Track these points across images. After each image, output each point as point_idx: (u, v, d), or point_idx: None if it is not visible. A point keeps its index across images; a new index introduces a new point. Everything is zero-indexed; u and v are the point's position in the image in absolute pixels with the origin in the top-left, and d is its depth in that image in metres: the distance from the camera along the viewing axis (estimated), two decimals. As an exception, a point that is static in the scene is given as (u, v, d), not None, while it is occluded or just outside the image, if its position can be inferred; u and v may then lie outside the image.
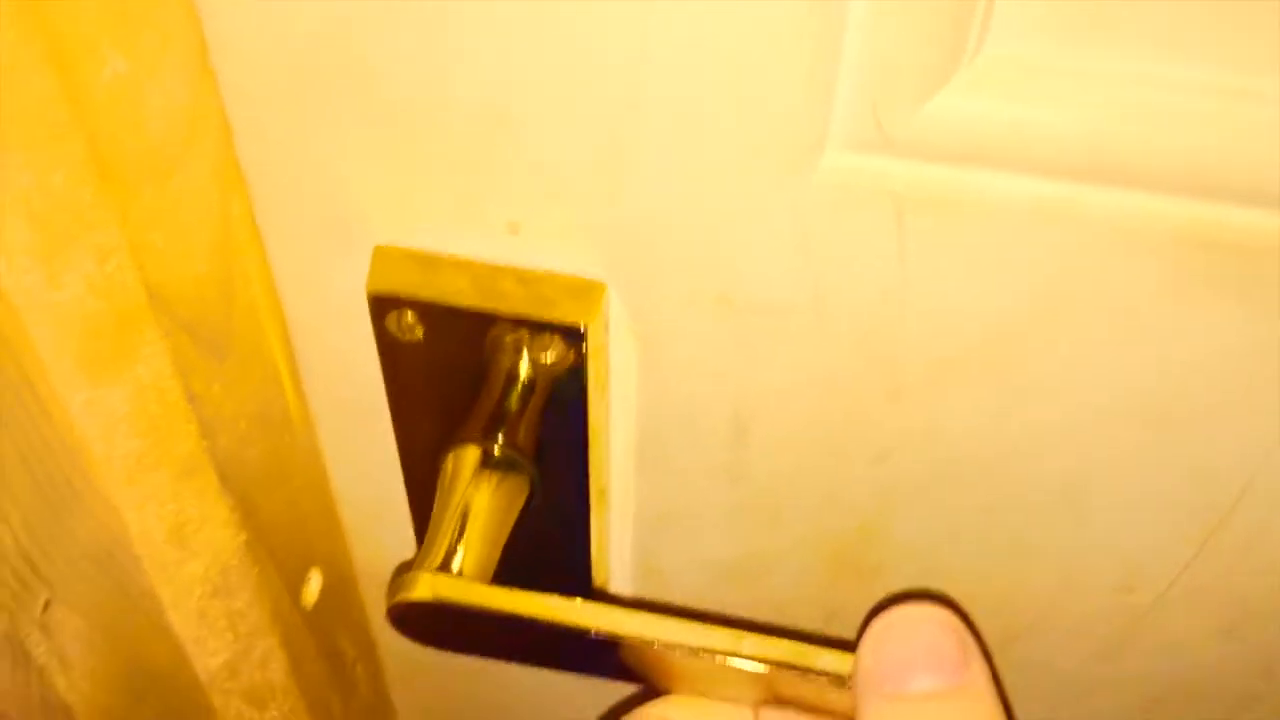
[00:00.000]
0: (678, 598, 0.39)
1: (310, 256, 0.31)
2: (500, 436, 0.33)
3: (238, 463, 0.32)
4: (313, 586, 0.38)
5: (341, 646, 0.41)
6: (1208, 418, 0.29)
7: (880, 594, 0.37)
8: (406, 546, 0.40)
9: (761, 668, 0.26)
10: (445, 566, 0.30)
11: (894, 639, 0.24)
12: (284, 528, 0.35)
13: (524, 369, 0.31)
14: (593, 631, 0.28)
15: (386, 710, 0.48)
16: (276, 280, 0.31)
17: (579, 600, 0.29)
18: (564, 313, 0.30)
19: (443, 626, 0.30)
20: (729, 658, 0.26)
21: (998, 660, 0.38)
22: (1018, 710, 0.40)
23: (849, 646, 0.26)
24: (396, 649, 0.46)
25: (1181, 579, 0.33)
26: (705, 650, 0.27)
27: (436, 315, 0.30)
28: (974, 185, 0.26)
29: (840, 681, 0.25)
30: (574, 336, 0.30)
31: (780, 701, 0.27)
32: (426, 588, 0.30)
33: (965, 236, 0.27)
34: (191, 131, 0.26)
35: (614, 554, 0.38)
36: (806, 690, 0.26)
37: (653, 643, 0.28)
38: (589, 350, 0.30)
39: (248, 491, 0.33)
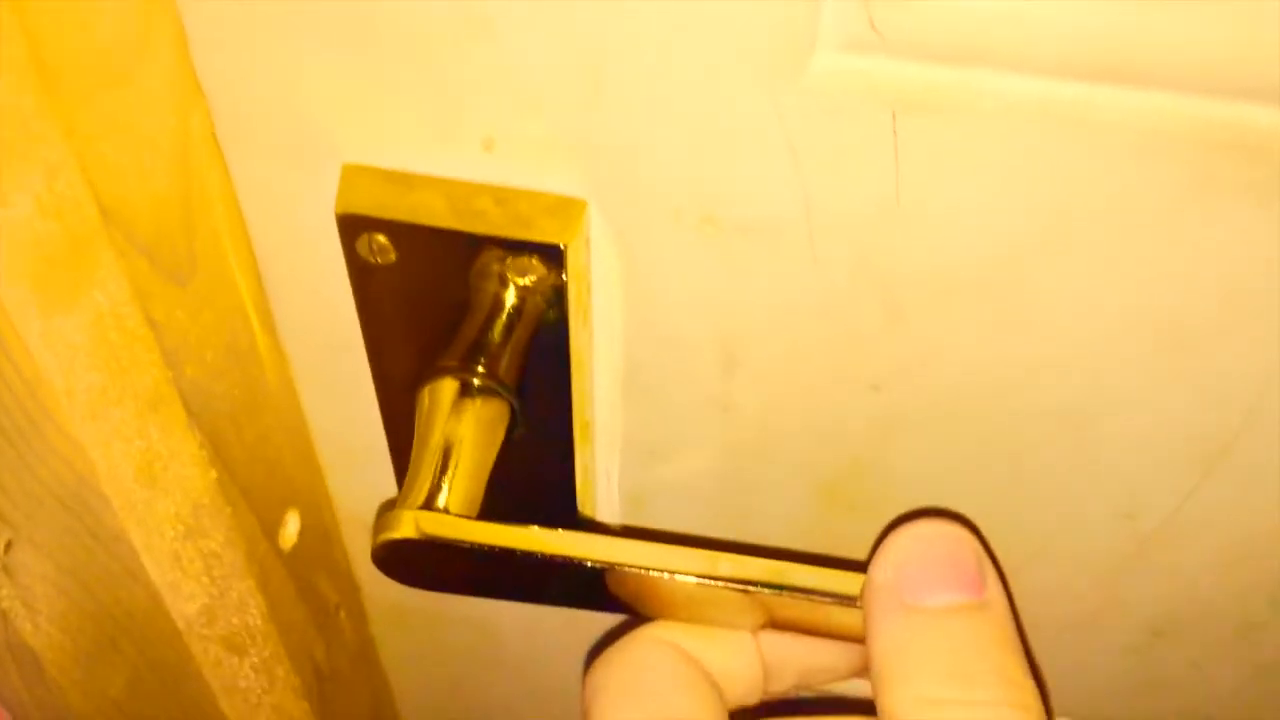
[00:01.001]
0: (666, 534, 0.38)
1: (275, 176, 0.29)
2: (479, 365, 0.31)
3: (206, 395, 0.30)
4: (290, 528, 0.37)
5: (323, 591, 0.40)
6: (1220, 337, 0.28)
7: (874, 528, 0.35)
8: (389, 487, 0.38)
9: (764, 591, 0.25)
10: (429, 503, 0.29)
11: (913, 552, 0.23)
12: (257, 466, 0.34)
13: (502, 293, 0.30)
14: (587, 562, 0.27)
15: (371, 657, 0.47)
16: (241, 202, 0.30)
17: (569, 532, 0.28)
18: (543, 232, 0.28)
19: (429, 566, 0.29)
20: (727, 582, 0.26)
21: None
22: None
23: (843, 566, 0.25)
24: (381, 594, 0.45)
25: (1185, 506, 0.32)
26: (702, 576, 0.26)
27: (409, 237, 0.29)
28: (975, 87, 0.24)
29: (842, 600, 0.25)
30: (554, 257, 0.28)
31: (779, 625, 0.26)
32: (410, 526, 0.28)
33: (966, 143, 0.25)
34: (144, 36, 0.25)
35: (600, 487, 0.37)
36: (806, 611, 0.25)
37: (647, 570, 0.27)
38: (570, 271, 0.29)
39: (217, 426, 0.31)
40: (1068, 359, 0.29)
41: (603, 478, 0.37)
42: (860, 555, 0.37)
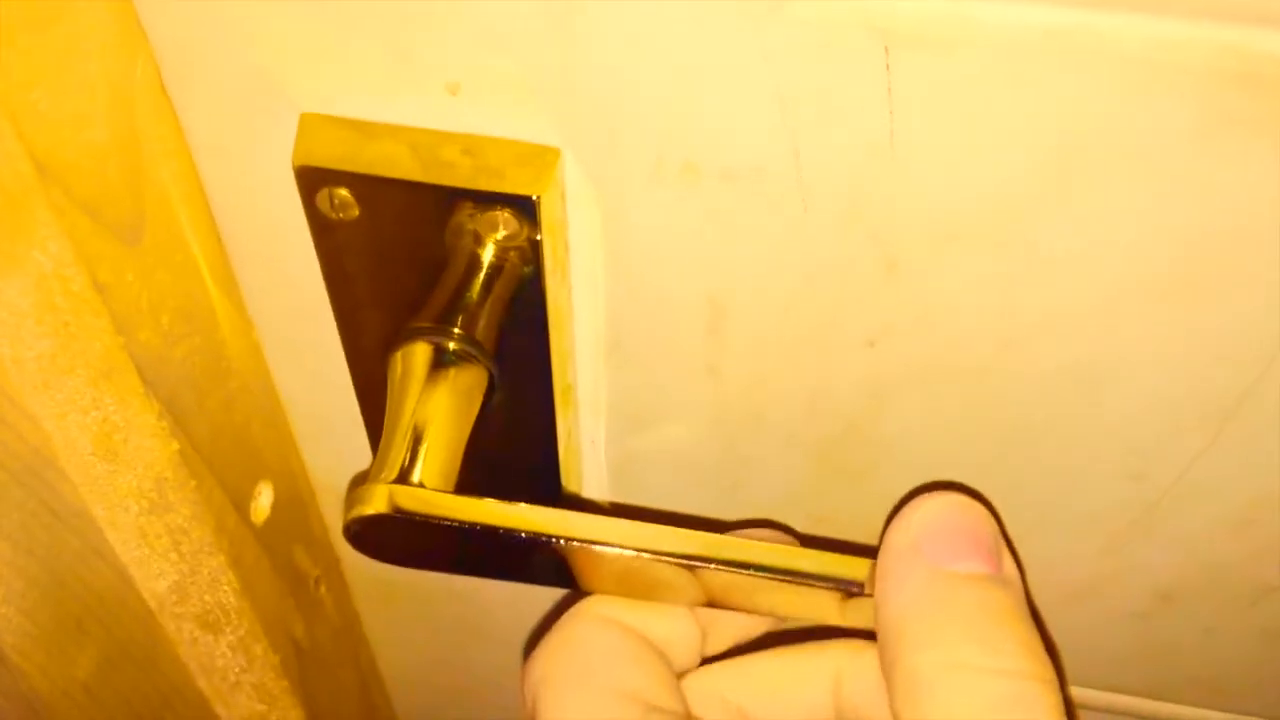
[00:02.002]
0: (654, 502, 0.37)
1: (228, 127, 0.27)
2: (454, 328, 0.30)
3: (162, 362, 0.29)
4: (262, 501, 0.35)
5: (301, 565, 0.39)
6: (1234, 288, 0.26)
7: (872, 496, 0.34)
8: (365, 455, 0.37)
9: (761, 575, 0.25)
10: (403, 478, 0.28)
11: (937, 519, 0.23)
12: (223, 436, 0.32)
13: (475, 249, 0.28)
14: (562, 540, 0.26)
15: (355, 633, 0.46)
16: (194, 155, 0.28)
17: (547, 509, 0.27)
18: (514, 183, 0.27)
19: (403, 542, 0.28)
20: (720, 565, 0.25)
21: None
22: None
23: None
24: (363, 567, 0.43)
25: (1196, 467, 0.31)
26: (695, 559, 0.25)
27: (372, 190, 0.27)
28: (973, 16, 0.23)
29: (841, 585, 0.25)
30: (526, 209, 0.27)
31: (723, 605, 0.26)
32: (383, 501, 0.27)
33: (963, 80, 0.24)
34: (75, -26, 0.23)
35: (587, 456, 0.36)
36: (756, 592, 0.25)
37: (629, 550, 0.26)
38: (544, 225, 0.27)
39: (177, 395, 0.30)
40: (1072, 312, 0.27)
41: (588, 445, 0.35)
42: (858, 523, 0.36)
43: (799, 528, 0.36)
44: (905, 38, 0.23)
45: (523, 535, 0.26)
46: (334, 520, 0.40)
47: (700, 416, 0.33)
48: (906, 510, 0.24)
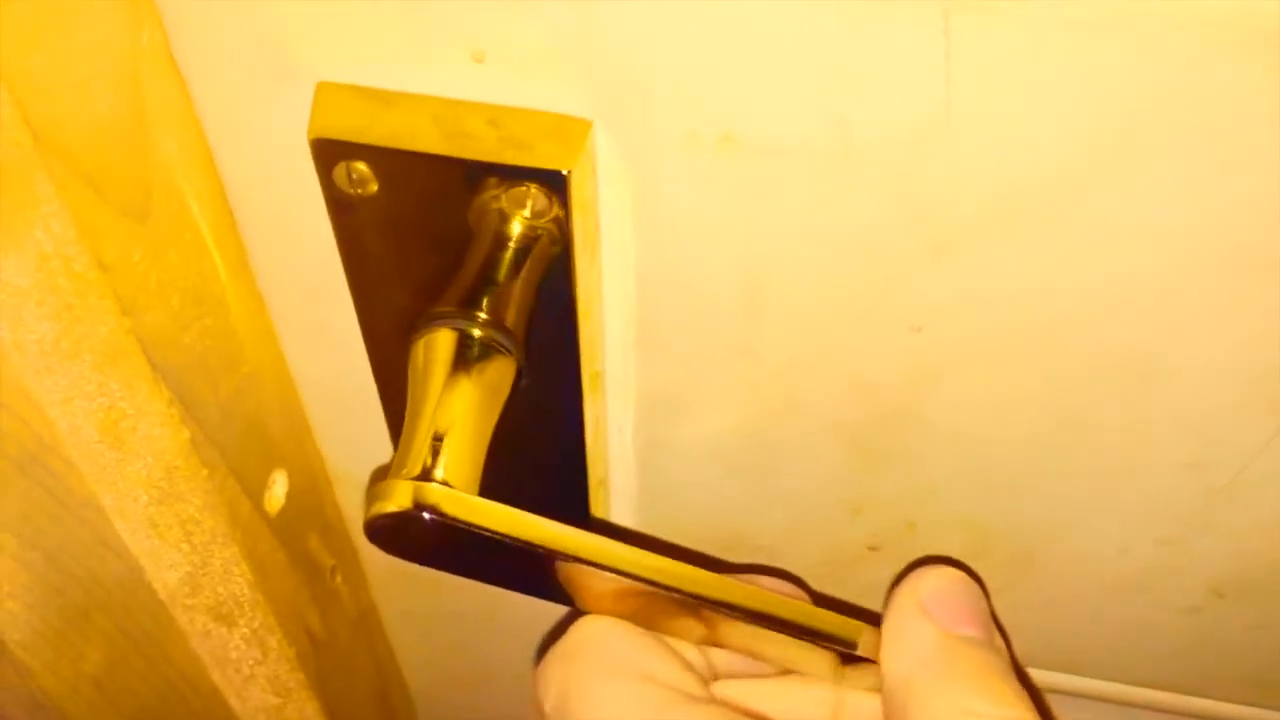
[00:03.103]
0: (684, 491, 0.35)
1: (240, 97, 0.26)
2: (477, 314, 0.28)
3: (172, 346, 0.27)
4: (277, 490, 0.34)
5: (316, 555, 0.38)
6: (1305, 265, 0.25)
7: (913, 484, 0.33)
8: (383, 441, 0.35)
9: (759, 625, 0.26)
10: (427, 474, 0.26)
11: (946, 589, 0.26)
12: (235, 423, 0.31)
13: (500, 227, 0.27)
14: (580, 560, 0.25)
15: (371, 623, 0.44)
16: (203, 127, 0.26)
17: (581, 531, 0.26)
18: (542, 156, 0.25)
19: (425, 541, 0.27)
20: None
21: (1041, 553, 0.34)
22: (1068, 605, 0.36)
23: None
24: (380, 557, 0.42)
25: (1261, 457, 0.29)
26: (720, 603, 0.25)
27: (392, 164, 0.26)
28: (1038, -23, 0.21)
29: (843, 646, 0.26)
30: (555, 184, 0.25)
31: (719, 644, 0.27)
32: (406, 497, 0.26)
33: (1028, 44, 0.22)
34: (75, -68, 0.21)
35: (613, 442, 0.34)
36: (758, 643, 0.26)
37: (655, 585, 0.26)
38: (573, 201, 0.26)
39: (187, 380, 0.28)
40: (1133, 290, 0.26)
41: (615, 432, 0.34)
42: (895, 512, 0.34)
43: (835, 517, 0.35)
44: (967, 1, 0.21)
45: (542, 550, 0.25)
46: (350, 509, 0.39)
47: (733, 401, 0.32)
48: (914, 578, 0.26)
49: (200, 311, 0.28)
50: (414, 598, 0.44)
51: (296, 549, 0.36)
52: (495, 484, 0.28)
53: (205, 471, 0.30)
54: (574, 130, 0.25)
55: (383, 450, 0.36)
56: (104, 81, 0.23)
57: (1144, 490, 0.31)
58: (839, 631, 0.26)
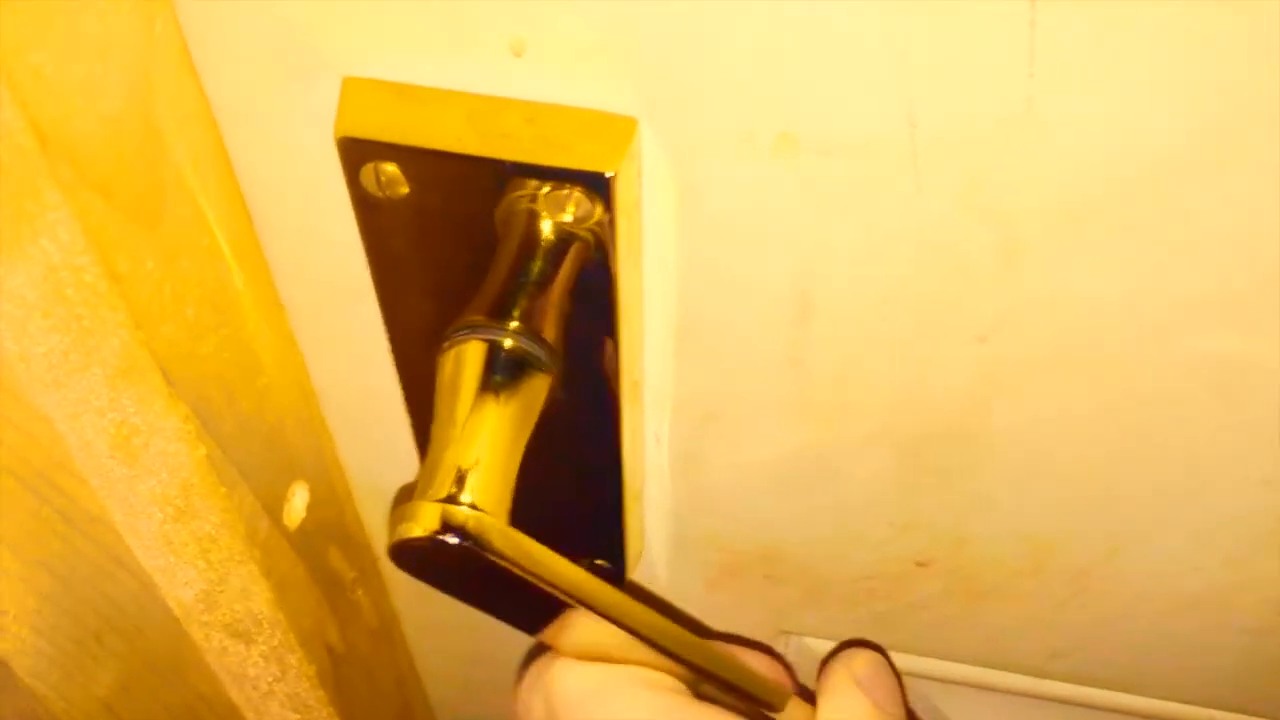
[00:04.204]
0: (723, 503, 0.34)
1: (260, 94, 0.24)
2: (510, 322, 0.27)
3: (188, 359, 0.26)
4: (297, 503, 0.32)
5: (337, 568, 0.36)
6: None
7: (967, 499, 0.31)
8: (407, 450, 0.34)
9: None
10: (454, 497, 0.25)
11: (875, 669, 0.30)
12: (254, 437, 0.29)
13: (537, 232, 0.25)
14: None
15: (394, 634, 0.43)
16: (220, 126, 0.25)
17: (615, 590, 0.27)
18: (584, 157, 0.23)
19: (448, 567, 0.25)
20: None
21: (1100, 570, 0.32)
22: (1126, 622, 0.34)
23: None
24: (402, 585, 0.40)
25: (1345, 474, 0.27)
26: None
27: (424, 165, 0.24)
28: (1136, -38, 0.19)
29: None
30: (598, 187, 0.23)
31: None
32: (434, 520, 0.24)
33: (1120, 34, 0.20)
34: (82, -83, 0.20)
35: (650, 451, 0.32)
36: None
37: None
38: (617, 206, 0.24)
39: (204, 393, 0.27)
40: (1222, 298, 0.24)
41: (651, 441, 0.32)
42: (944, 528, 0.32)
43: (883, 531, 0.33)
44: (1055, -14, 0.20)
45: (563, 597, 0.26)
46: (371, 519, 0.37)
47: (779, 412, 0.30)
48: (847, 656, 0.31)
49: (217, 321, 0.26)
50: (435, 608, 0.43)
51: (316, 563, 0.34)
52: (527, 494, 0.27)
53: (223, 489, 0.28)
54: (619, 129, 0.23)
55: (405, 459, 0.35)
56: (113, 78, 0.21)
57: (1215, 508, 0.29)
58: (765, 695, 0.29)
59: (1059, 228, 0.23)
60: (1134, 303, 0.24)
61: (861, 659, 0.31)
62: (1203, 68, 0.20)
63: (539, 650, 0.30)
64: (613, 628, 0.27)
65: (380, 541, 0.38)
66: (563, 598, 0.26)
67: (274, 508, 0.31)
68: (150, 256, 0.23)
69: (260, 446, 0.30)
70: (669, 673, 0.28)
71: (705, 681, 0.29)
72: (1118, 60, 0.20)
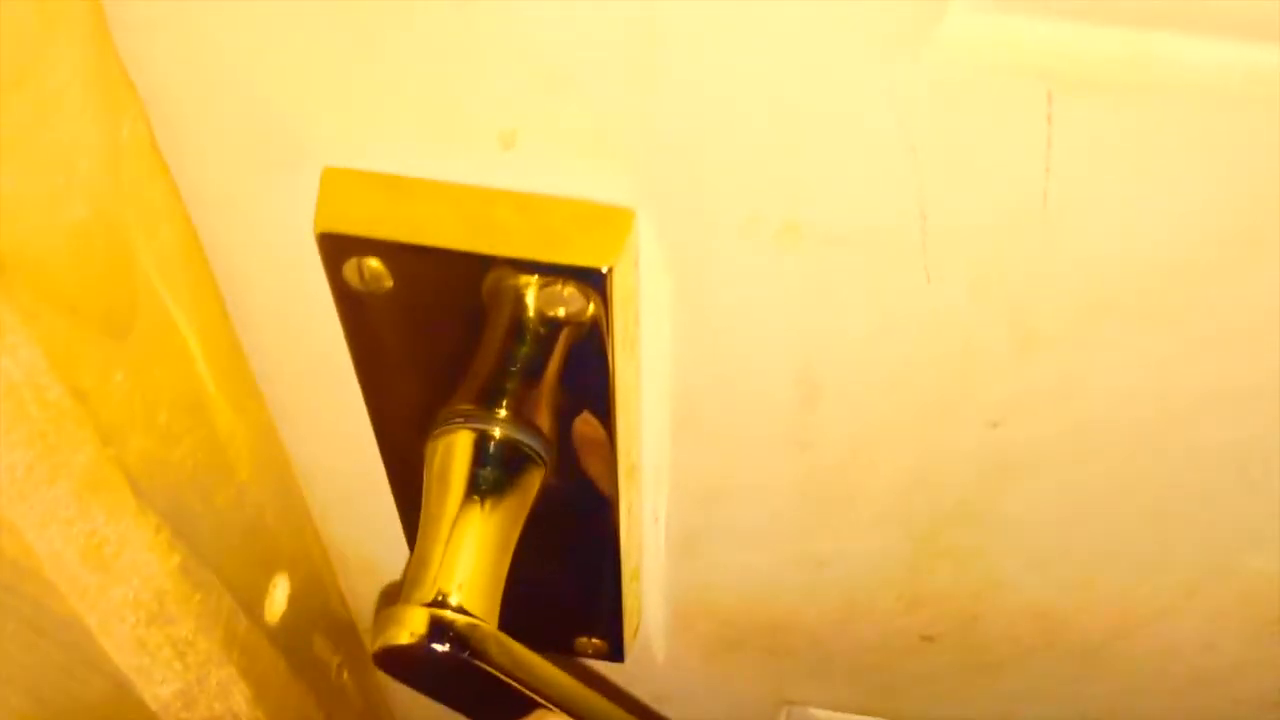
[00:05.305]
0: (724, 578, 0.32)
1: (237, 187, 0.23)
2: (499, 412, 0.25)
3: (160, 467, 0.24)
4: (278, 595, 0.31)
5: (321, 655, 0.35)
6: None
7: (976, 580, 0.30)
8: (391, 527, 0.32)
9: None
10: (441, 599, 0.23)
11: None
12: (230, 536, 0.28)
13: (528, 325, 0.24)
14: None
15: (380, 713, 0.41)
16: (195, 223, 0.23)
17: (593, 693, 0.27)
18: (580, 252, 0.22)
19: (435, 670, 0.24)
20: None
21: (1112, 648, 0.31)
22: (1139, 697, 0.33)
23: None
24: None
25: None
26: None
27: (409, 260, 0.23)
28: (1159, 55, 0.18)
29: None
30: (594, 282, 0.22)
31: None
32: (420, 623, 0.23)
33: (1140, 128, 0.19)
34: (44, 21, 0.18)
35: (648, 530, 0.31)
36: None
37: None
38: (614, 300, 0.23)
39: (177, 501, 0.25)
40: (1247, 388, 0.23)
41: (649, 520, 0.31)
42: (953, 605, 0.31)
43: (890, 607, 0.32)
44: (1075, 82, 0.19)
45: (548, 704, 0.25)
46: (356, 597, 0.36)
47: (784, 493, 0.29)
48: None
49: (191, 423, 0.25)
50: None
51: (299, 654, 0.33)
52: (523, 573, 0.26)
53: (197, 596, 0.27)
54: (615, 221, 0.22)
55: (394, 536, 0.33)
56: (80, 187, 0.20)
57: (1231, 589, 0.28)
58: None
59: (1074, 319, 0.22)
60: (1150, 390, 0.23)
61: None
62: (1224, 165, 0.19)
63: None
64: None
65: (365, 618, 0.37)
66: (542, 703, 0.25)
67: (254, 604, 0.30)
68: (119, 368, 0.22)
69: (239, 543, 0.28)
70: None
71: None
72: (1136, 157, 0.19)
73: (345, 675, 0.37)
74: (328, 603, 0.35)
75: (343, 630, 0.36)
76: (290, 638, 0.32)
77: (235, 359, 0.26)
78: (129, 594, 0.26)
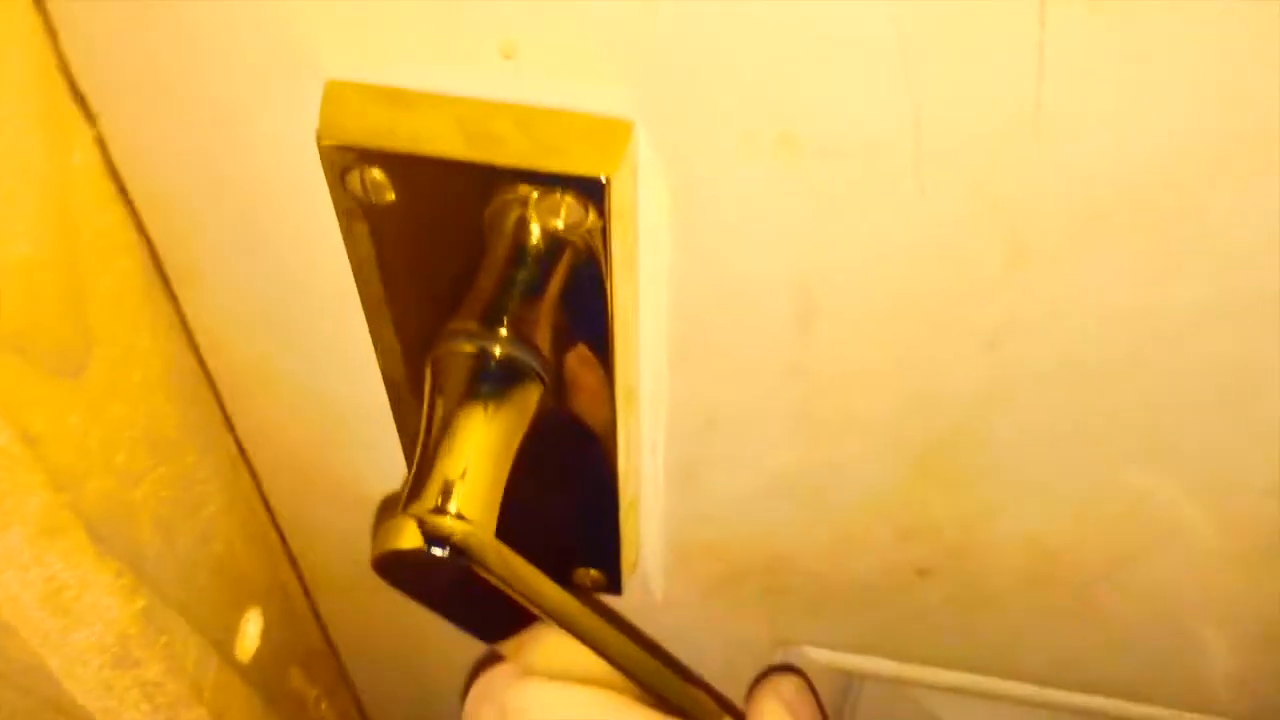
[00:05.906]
0: (721, 511, 0.33)
1: (242, 93, 0.23)
2: (499, 330, 0.26)
3: (120, 509, 0.24)
4: (250, 631, 0.31)
5: (298, 688, 0.34)
6: None
7: (972, 508, 0.30)
8: (392, 456, 0.33)
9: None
10: (441, 506, 0.24)
11: (801, 692, 0.34)
12: (199, 573, 0.27)
13: (527, 237, 0.24)
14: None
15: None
16: (208, 134, 0.24)
17: (598, 619, 0.27)
18: (578, 162, 0.22)
19: (428, 576, 0.25)
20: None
21: (1109, 581, 0.32)
22: (1136, 630, 0.33)
23: None
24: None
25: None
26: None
27: (411, 171, 0.23)
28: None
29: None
30: (592, 193, 0.23)
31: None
32: (414, 536, 0.23)
33: (1139, 33, 0.19)
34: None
35: (645, 461, 0.32)
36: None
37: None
38: (612, 211, 0.23)
39: (139, 543, 0.25)
40: (1237, 310, 0.23)
41: (647, 449, 0.31)
42: (950, 536, 0.32)
43: (884, 539, 0.32)
44: (1068, -19, 0.19)
45: (544, 616, 0.26)
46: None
47: (779, 420, 0.29)
48: (774, 681, 0.34)
49: (152, 462, 0.25)
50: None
51: (274, 690, 0.32)
52: (521, 502, 0.26)
53: (164, 639, 0.26)
54: (614, 132, 0.23)
55: (392, 466, 0.34)
56: (24, 222, 0.19)
57: (1222, 518, 0.28)
58: (706, 717, 0.31)
59: (1067, 231, 0.23)
60: (1143, 309, 0.24)
61: (788, 684, 0.34)
62: (1218, 70, 0.19)
63: (488, 660, 0.30)
64: (578, 648, 0.27)
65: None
66: (540, 614, 0.26)
67: (225, 643, 0.29)
68: (74, 409, 0.22)
69: (207, 581, 0.28)
70: (629, 695, 0.29)
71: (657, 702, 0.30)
72: (1130, 62, 0.20)
73: (324, 706, 0.36)
74: (304, 633, 0.34)
75: (320, 660, 0.36)
76: (264, 673, 0.31)
77: (199, 388, 0.26)
78: (92, 638, 0.26)
